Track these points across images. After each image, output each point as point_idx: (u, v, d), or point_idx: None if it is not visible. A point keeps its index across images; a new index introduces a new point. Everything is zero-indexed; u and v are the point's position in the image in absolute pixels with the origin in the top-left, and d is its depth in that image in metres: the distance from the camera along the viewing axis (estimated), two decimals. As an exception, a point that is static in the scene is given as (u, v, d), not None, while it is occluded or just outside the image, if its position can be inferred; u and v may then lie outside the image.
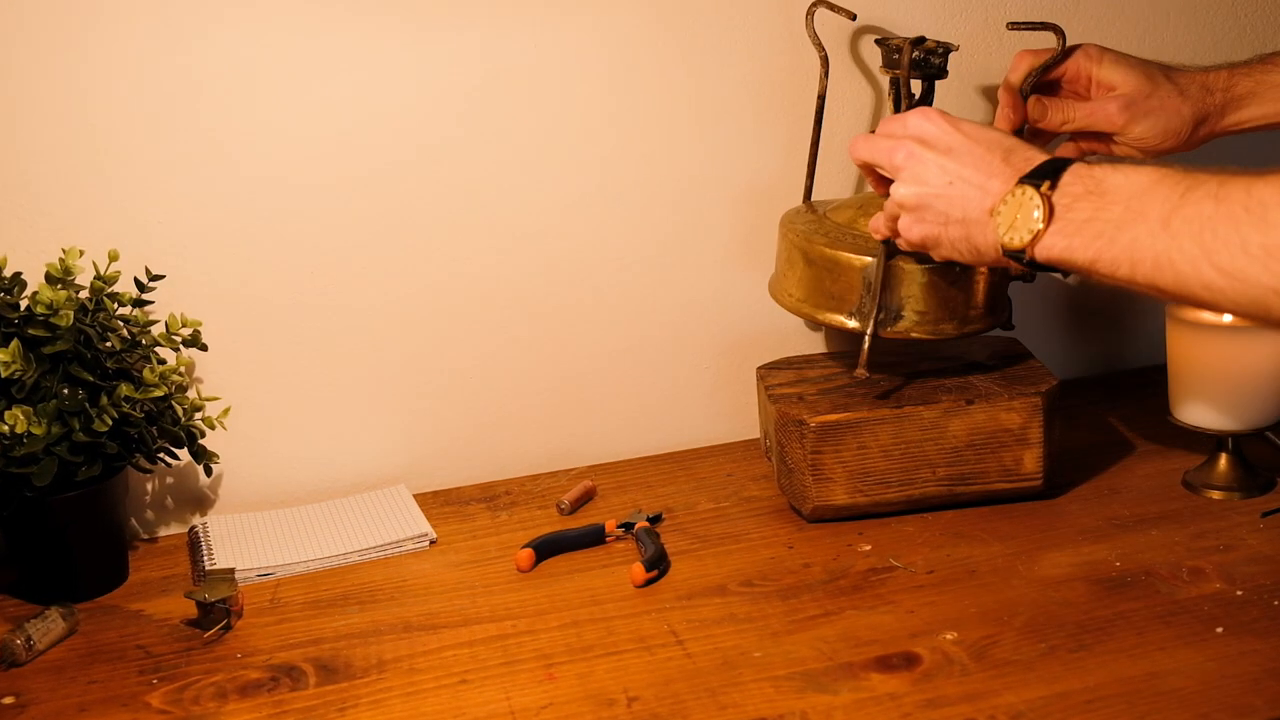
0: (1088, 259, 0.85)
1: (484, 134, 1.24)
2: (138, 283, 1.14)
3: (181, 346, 1.15)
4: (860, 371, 1.11)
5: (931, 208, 0.97)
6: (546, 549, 1.14)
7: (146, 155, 1.16)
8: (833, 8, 1.21)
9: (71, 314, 1.05)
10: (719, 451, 1.34)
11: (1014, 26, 1.15)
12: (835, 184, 1.33)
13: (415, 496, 1.26)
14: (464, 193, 1.25)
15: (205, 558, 1.15)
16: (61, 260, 1.09)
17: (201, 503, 1.26)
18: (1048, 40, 1.14)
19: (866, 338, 1.11)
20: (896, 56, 1.15)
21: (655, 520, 1.19)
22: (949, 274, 1.11)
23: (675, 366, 1.35)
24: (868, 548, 1.13)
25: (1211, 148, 1.16)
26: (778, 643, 0.99)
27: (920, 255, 1.04)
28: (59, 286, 1.08)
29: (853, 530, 1.16)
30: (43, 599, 1.08)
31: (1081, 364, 1.48)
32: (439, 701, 0.94)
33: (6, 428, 1.01)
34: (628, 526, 1.17)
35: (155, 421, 1.11)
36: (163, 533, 1.25)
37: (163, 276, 1.16)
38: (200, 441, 1.15)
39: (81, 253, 1.10)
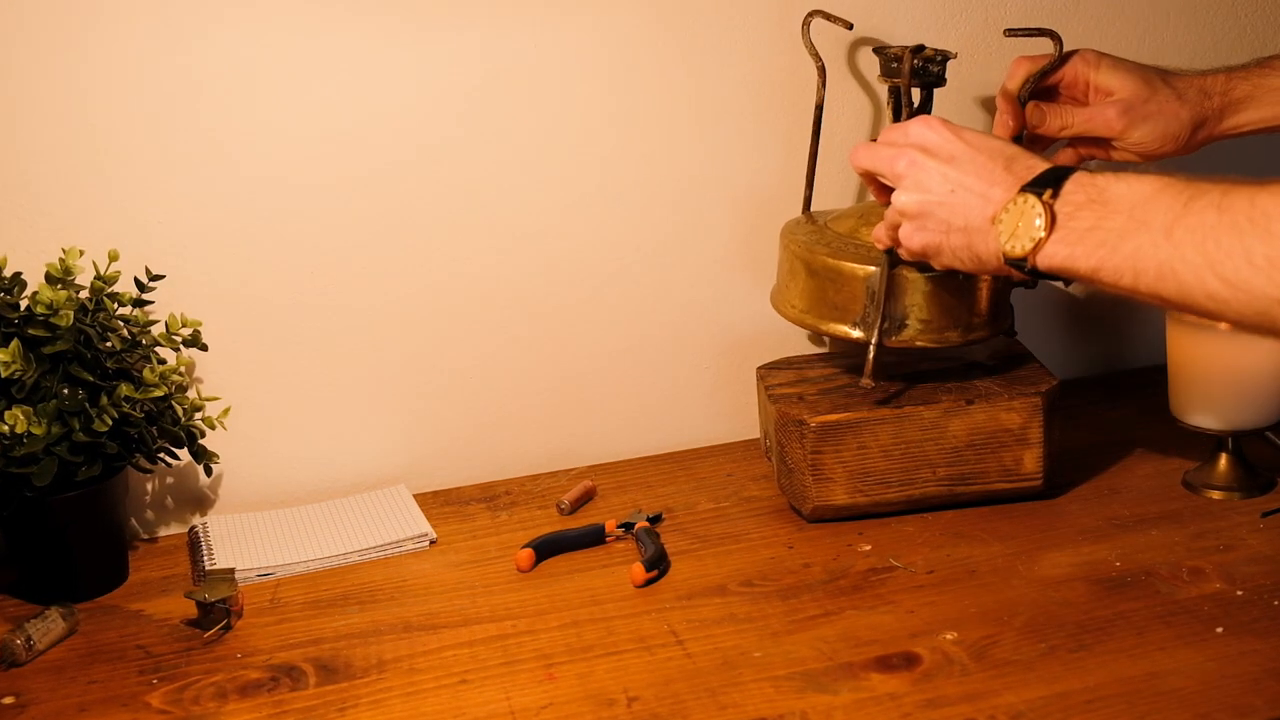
0: (1090, 268, 0.85)
1: (484, 134, 1.24)
2: (138, 283, 1.14)
3: (181, 346, 1.15)
4: (866, 381, 1.11)
5: (933, 216, 0.97)
6: (546, 549, 1.14)
7: (146, 155, 1.16)
8: (829, 18, 1.21)
9: (71, 314, 1.05)
10: (719, 451, 1.34)
11: (1011, 33, 1.15)
12: (834, 193, 1.33)
13: (415, 496, 1.26)
14: (464, 193, 1.25)
15: (205, 558, 1.15)
16: (61, 260, 1.09)
17: (201, 503, 1.26)
18: (1045, 46, 1.14)
19: (871, 347, 1.11)
20: (896, 65, 1.15)
21: (655, 520, 1.19)
22: (952, 282, 1.11)
23: (675, 366, 1.35)
24: (868, 548, 1.13)
25: (1209, 151, 1.16)
26: (778, 643, 0.99)
27: (922, 264, 1.04)
28: (59, 286, 1.08)
29: (853, 530, 1.16)
30: (43, 599, 1.08)
31: (1081, 364, 1.48)
32: (439, 701, 0.94)
33: (6, 428, 1.01)
34: (628, 526, 1.17)
35: (155, 421, 1.11)
36: (163, 533, 1.25)
37: (163, 276, 1.16)
38: (200, 441, 1.15)
39: (81, 253, 1.10)
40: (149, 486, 1.24)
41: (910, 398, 1.15)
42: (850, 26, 1.20)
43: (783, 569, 1.10)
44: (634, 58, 1.26)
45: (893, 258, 1.08)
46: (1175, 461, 1.24)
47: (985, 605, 1.03)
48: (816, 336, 1.36)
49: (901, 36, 1.31)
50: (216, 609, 1.04)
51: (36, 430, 1.02)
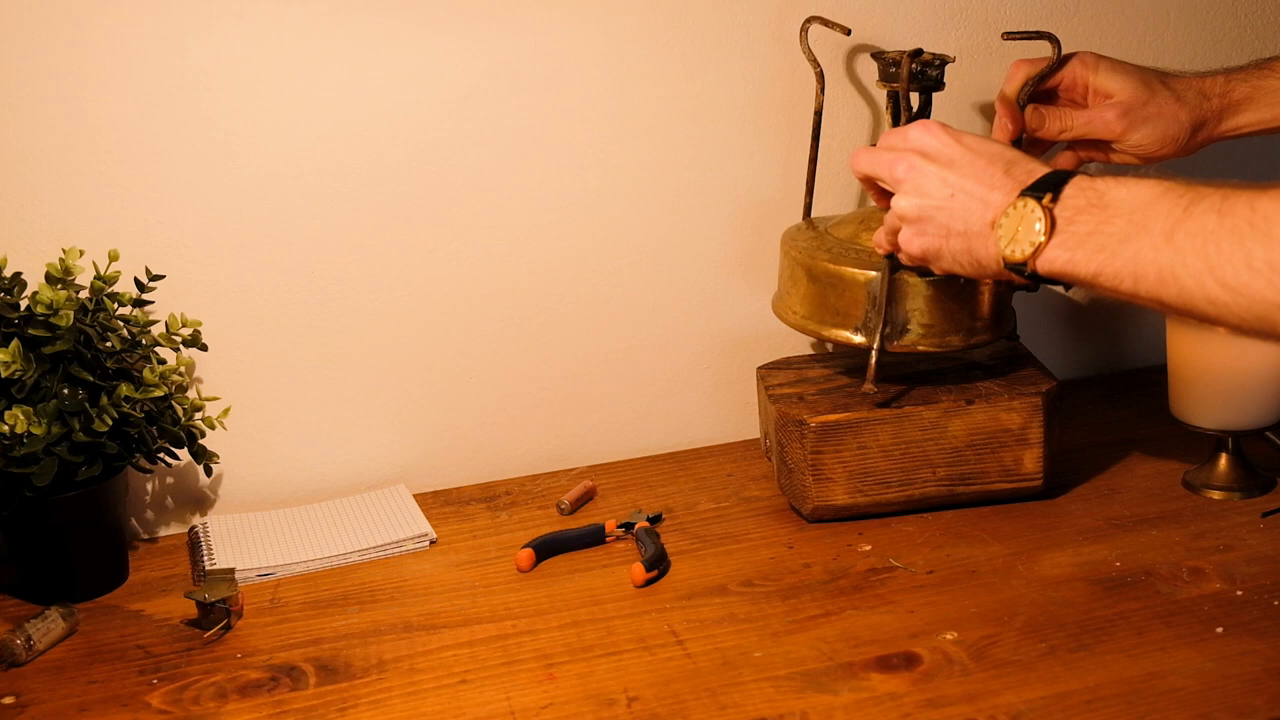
0: (1090, 272, 0.85)
1: (485, 134, 1.24)
2: (138, 283, 1.14)
3: (181, 346, 1.15)
4: (869, 386, 1.11)
5: (933, 220, 0.96)
6: (546, 549, 1.14)
7: (146, 155, 1.16)
8: (827, 23, 1.21)
9: (71, 314, 1.05)
10: (719, 451, 1.34)
11: (1009, 36, 1.15)
12: (835, 199, 1.33)
13: (415, 496, 1.26)
14: (465, 193, 1.25)
15: (205, 558, 1.16)
16: (61, 260, 1.09)
17: (201, 503, 1.26)
18: (1043, 49, 1.14)
19: (873, 353, 1.11)
20: (894, 69, 1.15)
21: (655, 520, 1.19)
22: (954, 287, 1.11)
23: (675, 366, 1.35)
24: (868, 548, 1.13)
25: (1208, 152, 1.16)
26: (778, 643, 0.99)
27: (923, 269, 1.04)
28: (59, 286, 1.08)
29: (853, 530, 1.16)
30: (43, 599, 1.08)
31: (1081, 364, 1.48)
32: (439, 701, 0.94)
33: (6, 428, 1.01)
34: (628, 526, 1.17)
35: (155, 421, 1.11)
36: (163, 533, 1.25)
37: (163, 276, 1.16)
38: (200, 441, 1.15)
39: (81, 253, 1.10)
40: (149, 486, 1.24)
41: (910, 398, 1.15)
42: (848, 32, 1.20)
43: (783, 569, 1.10)
44: (635, 59, 1.26)
45: (894, 263, 1.08)
46: (1175, 461, 1.24)
47: (985, 605, 1.03)
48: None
49: (900, 41, 1.31)
50: (216, 609, 1.04)
51: (36, 430, 1.02)
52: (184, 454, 1.17)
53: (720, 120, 1.29)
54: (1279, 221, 0.74)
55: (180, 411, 1.13)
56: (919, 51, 1.15)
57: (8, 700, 0.97)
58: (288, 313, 1.23)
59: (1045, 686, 0.92)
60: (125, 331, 1.12)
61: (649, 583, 1.09)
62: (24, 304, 1.07)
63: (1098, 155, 1.16)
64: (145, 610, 1.09)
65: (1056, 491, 1.20)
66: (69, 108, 1.14)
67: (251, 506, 1.26)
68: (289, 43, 1.17)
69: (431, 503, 1.26)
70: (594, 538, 1.16)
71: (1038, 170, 0.92)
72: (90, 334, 1.08)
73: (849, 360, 1.24)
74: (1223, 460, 1.19)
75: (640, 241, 1.31)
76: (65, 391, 1.05)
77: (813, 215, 1.27)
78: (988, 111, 1.35)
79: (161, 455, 1.14)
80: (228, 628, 1.05)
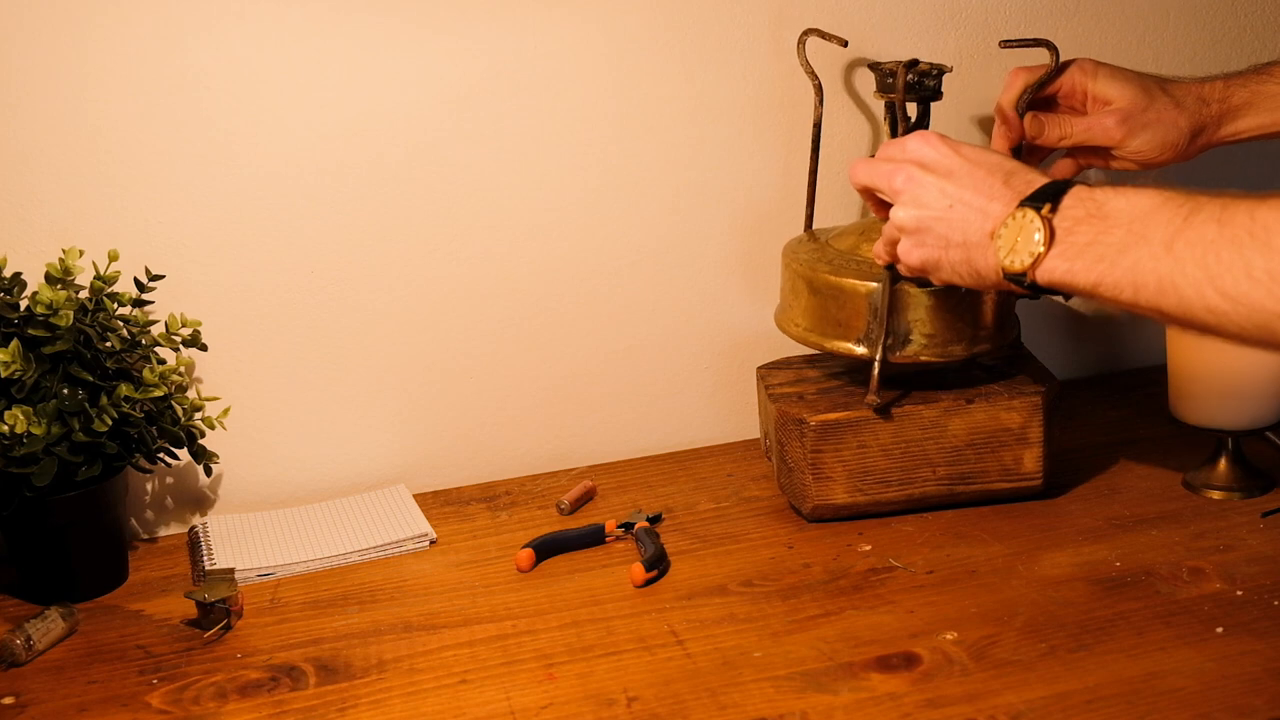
0: (1089, 282, 0.85)
1: (485, 134, 1.24)
2: (138, 283, 1.14)
3: (181, 346, 1.15)
4: (872, 398, 1.11)
5: (931, 231, 0.96)
6: (546, 549, 1.14)
7: (146, 155, 1.16)
8: (824, 35, 1.21)
9: (71, 314, 1.05)
10: (719, 451, 1.34)
11: (1007, 44, 1.14)
12: (835, 209, 1.33)
13: (415, 496, 1.26)
14: (465, 193, 1.25)
15: (205, 558, 1.15)
16: (61, 260, 1.09)
17: (201, 503, 1.26)
18: (1041, 57, 1.14)
19: (875, 364, 1.11)
20: (890, 80, 1.15)
21: (655, 520, 1.19)
22: (955, 296, 1.11)
23: (675, 366, 1.35)
24: (868, 548, 1.13)
25: (1207, 157, 1.16)
26: (778, 643, 0.99)
27: (922, 280, 1.04)
28: (59, 286, 1.08)
29: (853, 530, 1.16)
30: (43, 599, 1.08)
31: (1081, 364, 1.48)
32: (439, 701, 0.94)
33: (6, 428, 1.01)
34: (628, 526, 1.17)
35: (155, 421, 1.11)
36: (163, 533, 1.25)
37: (163, 276, 1.16)
38: (200, 441, 1.15)
39: (81, 253, 1.10)
40: (149, 486, 1.24)
41: (910, 397, 1.15)
42: (845, 44, 1.20)
43: (783, 569, 1.10)
44: (637, 60, 1.26)
45: (894, 274, 1.08)
46: (1175, 461, 1.24)
47: (985, 605, 1.03)
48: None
49: (897, 51, 1.31)
50: (216, 609, 1.04)
51: (36, 430, 1.02)
52: (184, 454, 1.17)
53: (720, 121, 1.29)
54: (1279, 231, 0.74)
55: (180, 411, 1.13)
56: (915, 62, 1.15)
57: (8, 700, 0.97)
58: (288, 313, 1.23)
59: (1045, 686, 0.92)
60: (125, 331, 1.12)
61: (649, 583, 1.09)
62: (24, 304, 1.07)
63: (1097, 162, 1.16)
64: (145, 610, 1.09)
65: (1056, 491, 1.20)
66: (69, 108, 1.14)
67: (251, 506, 1.26)
68: (289, 43, 1.17)
69: (431, 503, 1.26)
70: (594, 538, 1.16)
71: (1036, 180, 0.92)
72: (90, 334, 1.08)
73: (849, 360, 1.24)
74: (1223, 460, 1.19)
75: (640, 241, 1.31)
76: (65, 391, 1.05)
77: (814, 226, 1.27)
78: (986, 120, 1.35)
79: (161, 455, 1.14)
80: (228, 628, 1.05)
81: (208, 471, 1.18)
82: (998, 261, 0.91)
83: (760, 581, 1.08)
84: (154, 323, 1.14)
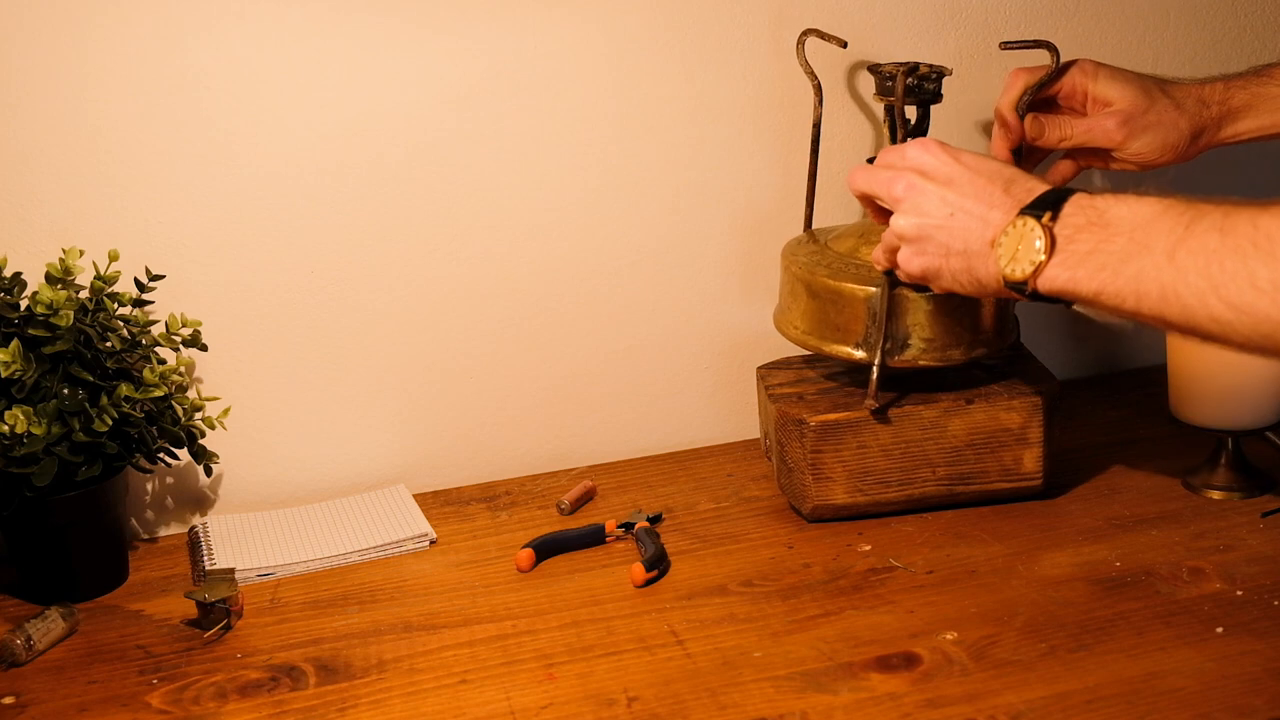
0: (1091, 291, 0.85)
1: (485, 134, 1.24)
2: (138, 283, 1.14)
3: (181, 346, 1.15)
4: (870, 402, 1.11)
5: (932, 239, 0.96)
6: (546, 549, 1.14)
7: (146, 155, 1.16)
8: (823, 36, 1.21)
9: (71, 314, 1.05)
10: (719, 451, 1.34)
11: (1007, 46, 1.14)
12: (835, 208, 1.33)
13: (415, 496, 1.26)
14: (465, 193, 1.25)
15: (205, 558, 1.15)
16: (61, 260, 1.09)
17: (201, 503, 1.26)
18: (1042, 58, 1.13)
19: (874, 368, 1.11)
20: (890, 84, 1.15)
21: (655, 520, 1.19)
22: (954, 300, 1.10)
23: (675, 366, 1.35)
24: (868, 548, 1.13)
25: (1207, 159, 1.16)
26: (778, 643, 0.99)
27: (921, 285, 1.03)
28: (59, 286, 1.08)
29: (853, 530, 1.16)
30: (43, 599, 1.08)
31: (1081, 364, 1.48)
32: (439, 701, 0.94)
33: (6, 428, 1.01)
34: (628, 526, 1.17)
35: (155, 421, 1.11)
36: (163, 533, 1.25)
37: (163, 276, 1.16)
38: (200, 441, 1.15)
39: (81, 253, 1.10)
40: (149, 486, 1.24)
41: (910, 397, 1.15)
42: (844, 45, 1.20)
43: (783, 569, 1.10)
44: (637, 60, 1.26)
45: (893, 278, 1.07)
46: (1175, 461, 1.24)
47: (985, 605, 1.03)
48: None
49: (896, 53, 1.31)
50: (216, 609, 1.04)
51: (36, 430, 1.02)
52: (184, 454, 1.17)
53: (720, 121, 1.29)
54: None
55: (180, 411, 1.13)
56: (915, 66, 1.14)
57: (8, 700, 0.97)
58: (288, 313, 1.23)
59: (1045, 686, 0.92)
60: (125, 331, 1.12)
61: (649, 583, 1.09)
62: (24, 304, 1.07)
63: (1097, 163, 1.16)
64: (145, 610, 1.09)
65: (1056, 491, 1.20)
66: (69, 108, 1.14)
67: (251, 506, 1.26)
68: (289, 43, 1.17)
69: (431, 503, 1.26)
70: (594, 538, 1.16)
71: (1037, 188, 0.92)
72: (90, 334, 1.08)
73: (849, 361, 1.24)
74: (1223, 460, 1.19)
75: (640, 241, 1.31)
76: (65, 391, 1.05)
77: (813, 226, 1.27)
78: (986, 122, 1.35)
79: (161, 455, 1.14)
80: (228, 628, 1.05)
81: (208, 471, 1.18)
82: (999, 270, 0.90)
83: (760, 581, 1.08)
84: (154, 323, 1.14)
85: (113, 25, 1.13)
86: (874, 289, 1.10)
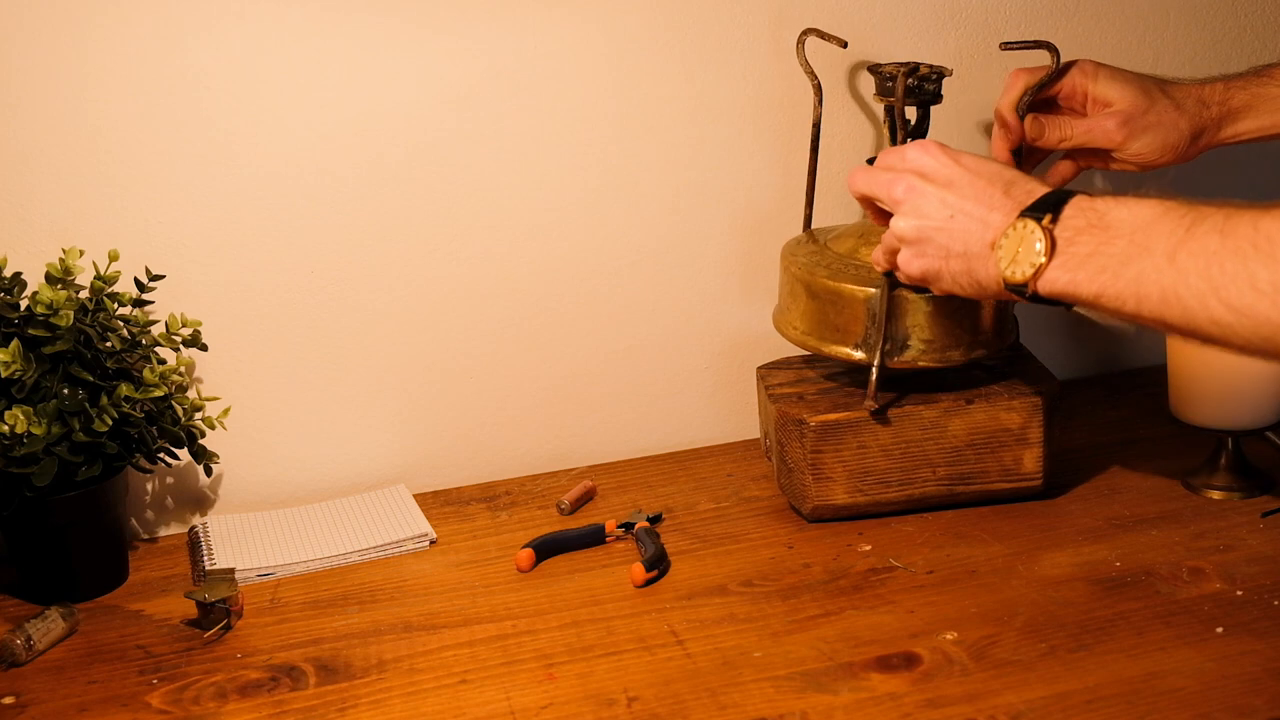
0: (1092, 293, 0.85)
1: (485, 134, 1.24)
2: (138, 283, 1.14)
3: (181, 346, 1.15)
4: (869, 403, 1.11)
5: (932, 241, 0.96)
6: (546, 549, 1.14)
7: (146, 155, 1.16)
8: (824, 36, 1.21)
9: (71, 314, 1.05)
10: (719, 451, 1.34)
11: (1007, 47, 1.14)
12: (834, 207, 1.33)
13: (415, 496, 1.26)
14: (465, 193, 1.25)
15: (205, 558, 1.15)
16: (61, 260, 1.09)
17: (201, 503, 1.26)
18: (1042, 59, 1.13)
19: (874, 369, 1.11)
20: (890, 84, 1.15)
21: (655, 520, 1.19)
22: (954, 301, 1.10)
23: (675, 366, 1.35)
24: (868, 548, 1.13)
25: (1207, 160, 1.16)
26: (778, 643, 0.99)
27: (920, 287, 1.03)
28: (59, 286, 1.08)
29: (853, 530, 1.16)
30: (43, 599, 1.08)
31: (1081, 364, 1.48)
32: (439, 701, 0.94)
33: (6, 428, 1.01)
34: (628, 526, 1.17)
35: (155, 421, 1.11)
36: (163, 533, 1.25)
37: (163, 276, 1.16)
38: (200, 441, 1.15)
39: (81, 253, 1.10)
40: (149, 486, 1.24)
41: (910, 397, 1.15)
42: (845, 45, 1.20)
43: (783, 569, 1.10)
44: (637, 60, 1.26)
45: (892, 279, 1.07)
46: (1175, 461, 1.24)
47: (985, 605, 1.03)
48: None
49: (897, 53, 1.31)
50: (216, 609, 1.04)
51: (36, 430, 1.02)
52: (184, 454, 1.17)
53: (720, 121, 1.29)
54: None
55: (180, 411, 1.13)
56: (915, 67, 1.14)
57: (8, 700, 0.97)
58: (288, 313, 1.23)
59: (1045, 686, 0.92)
60: (125, 331, 1.12)
61: (649, 583, 1.09)
62: (24, 304, 1.07)
63: (1097, 163, 1.16)
64: (145, 610, 1.09)
65: (1056, 491, 1.20)
66: (69, 108, 1.14)
67: (251, 506, 1.26)
68: (289, 43, 1.17)
69: (431, 503, 1.26)
70: (594, 538, 1.16)
71: (1037, 190, 0.91)
72: (90, 334, 1.08)
73: (849, 361, 1.24)
74: (1223, 460, 1.19)
75: (640, 241, 1.31)
76: (65, 391, 1.05)
77: (813, 226, 1.27)
78: (987, 122, 1.35)
79: (161, 455, 1.14)
80: (228, 628, 1.05)
81: (208, 471, 1.18)
82: (999, 272, 0.90)
83: (760, 581, 1.08)
84: (154, 323, 1.14)
85: (113, 25, 1.13)
86: (873, 290, 1.10)
